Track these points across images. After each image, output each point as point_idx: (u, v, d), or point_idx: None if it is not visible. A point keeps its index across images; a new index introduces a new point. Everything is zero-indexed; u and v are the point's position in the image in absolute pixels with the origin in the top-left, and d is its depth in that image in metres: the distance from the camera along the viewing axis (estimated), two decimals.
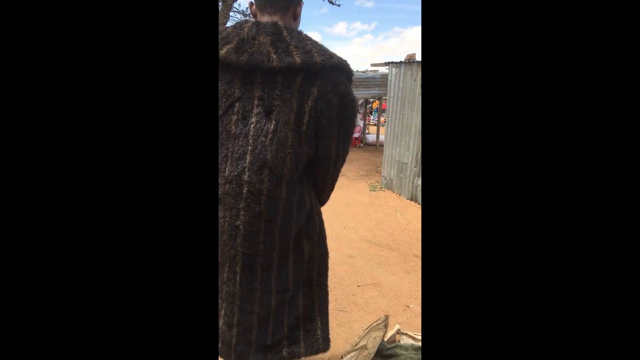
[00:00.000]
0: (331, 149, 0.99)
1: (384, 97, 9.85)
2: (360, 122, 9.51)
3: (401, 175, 4.75)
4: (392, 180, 4.94)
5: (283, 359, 1.09)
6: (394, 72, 4.82)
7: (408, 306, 2.37)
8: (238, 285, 1.01)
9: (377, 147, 9.04)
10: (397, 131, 4.80)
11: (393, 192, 4.90)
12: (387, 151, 5.01)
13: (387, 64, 4.93)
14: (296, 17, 0.98)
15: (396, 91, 4.78)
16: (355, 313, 2.26)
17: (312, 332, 1.16)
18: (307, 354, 1.09)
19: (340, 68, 0.93)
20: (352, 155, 7.79)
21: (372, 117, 10.91)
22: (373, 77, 8.37)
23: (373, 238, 3.38)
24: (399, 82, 4.73)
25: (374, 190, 4.96)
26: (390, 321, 2.21)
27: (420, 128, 4.34)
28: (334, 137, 0.97)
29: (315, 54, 0.88)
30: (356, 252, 3.08)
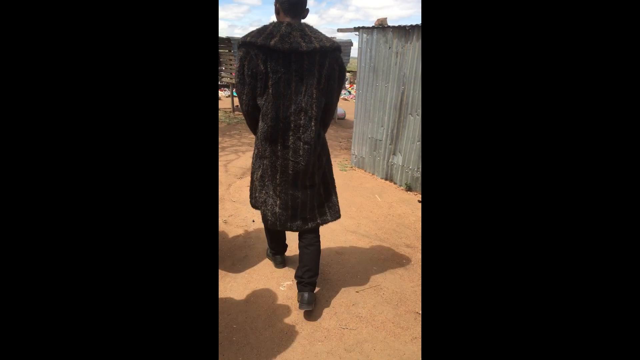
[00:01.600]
0: (334, 97, 1.69)
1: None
2: None
3: (374, 153, 4.39)
4: (363, 158, 4.57)
5: (318, 224, 1.90)
6: (364, 39, 4.34)
7: (418, 313, 2.02)
8: (290, 182, 1.72)
9: (335, 120, 8.61)
10: (368, 105, 4.38)
11: (366, 171, 4.54)
12: (357, 127, 4.60)
13: (356, 29, 4.43)
14: (304, 17, 1.62)
15: (367, 60, 4.32)
16: (362, 330, 1.87)
17: (333, 207, 1.95)
18: (332, 220, 1.94)
19: (338, 48, 1.61)
20: None
21: None
22: None
23: (357, 228, 2.99)
24: (370, 50, 4.27)
25: (345, 170, 4.57)
26: (403, 334, 1.85)
27: (397, 102, 3.96)
28: (336, 91, 1.69)
29: (325, 41, 1.54)
30: (344, 247, 2.68)
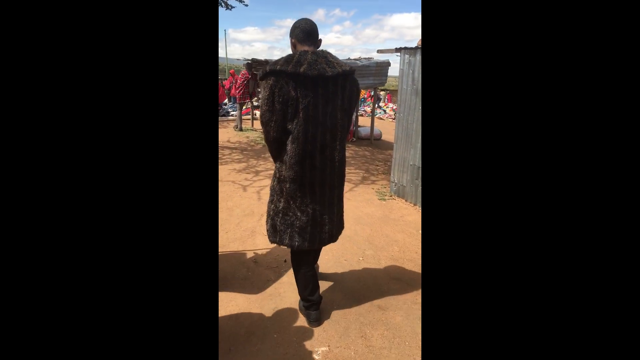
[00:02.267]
0: (352, 116, 1.87)
1: (379, 88, 9.07)
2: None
3: (416, 181, 4.01)
4: (404, 186, 4.20)
5: (337, 238, 2.03)
6: (406, 60, 4.03)
7: None
8: (318, 201, 1.83)
9: (372, 141, 8.28)
10: (410, 130, 4.04)
11: (406, 201, 4.16)
12: (397, 153, 4.25)
13: (398, 50, 4.13)
14: (319, 46, 1.78)
15: (409, 82, 4.00)
16: None
17: (342, 220, 2.08)
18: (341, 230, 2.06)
19: (353, 72, 1.75)
20: (347, 153, 7.00)
21: (360, 108, 10.12)
22: (367, 66, 7.55)
23: (402, 275, 2.62)
24: (413, 71, 3.94)
25: (384, 199, 4.21)
26: None
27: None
28: (354, 110, 1.87)
29: (345, 66, 1.69)
30: (387, 300, 2.32)
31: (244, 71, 8.66)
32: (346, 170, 5.52)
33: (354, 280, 2.49)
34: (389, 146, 8.11)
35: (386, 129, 10.45)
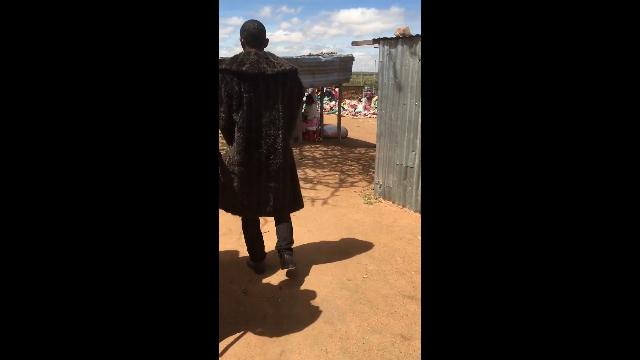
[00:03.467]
0: (294, 110, 2.13)
1: (342, 85, 8.79)
2: (317, 113, 8.36)
3: (404, 182, 3.73)
4: (390, 188, 3.91)
5: (289, 211, 2.35)
6: (386, 52, 3.73)
7: None
8: (264, 180, 2.10)
9: (340, 139, 7.99)
10: (394, 127, 3.75)
11: (394, 202, 3.87)
12: (381, 152, 3.95)
13: (376, 41, 3.82)
14: (266, 46, 2.09)
15: (390, 76, 3.71)
16: None
17: (299, 199, 2.38)
18: (299, 209, 2.40)
19: (296, 70, 2.06)
20: (316, 154, 6.65)
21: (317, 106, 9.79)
22: (331, 62, 7.23)
23: (416, 292, 2.30)
24: (394, 64, 3.65)
25: (370, 203, 3.89)
26: None
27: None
28: (296, 105, 2.14)
29: (285, 65, 2.00)
30: (409, 325, 1.98)
31: None
32: (322, 172, 5.18)
33: (365, 305, 2.14)
34: (356, 144, 7.86)
35: (349, 126, 10.22)
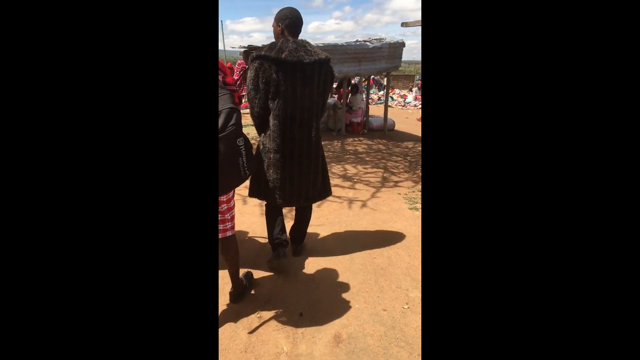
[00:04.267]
0: (326, 98, 2.11)
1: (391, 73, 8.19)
2: (362, 104, 7.85)
3: None
4: None
5: (317, 200, 2.28)
6: None
7: None
8: (297, 167, 2.08)
9: (385, 132, 7.44)
10: None
11: None
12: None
13: None
14: (300, 31, 2.04)
15: None
16: None
17: (328, 187, 2.32)
18: (328, 196, 2.33)
19: (329, 59, 2.01)
20: (359, 147, 6.18)
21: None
22: (379, 48, 6.66)
23: None
24: None
25: (416, 209, 3.39)
26: None
27: None
28: (328, 92, 2.10)
29: (321, 54, 1.96)
30: None
31: (240, 60, 7.84)
32: (363, 169, 4.73)
33: (404, 348, 1.70)
34: (403, 137, 7.27)
35: (397, 117, 9.59)
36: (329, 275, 2.28)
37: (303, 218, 2.42)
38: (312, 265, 2.40)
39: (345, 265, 2.39)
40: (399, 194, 3.80)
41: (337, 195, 3.73)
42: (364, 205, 3.50)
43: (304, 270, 2.34)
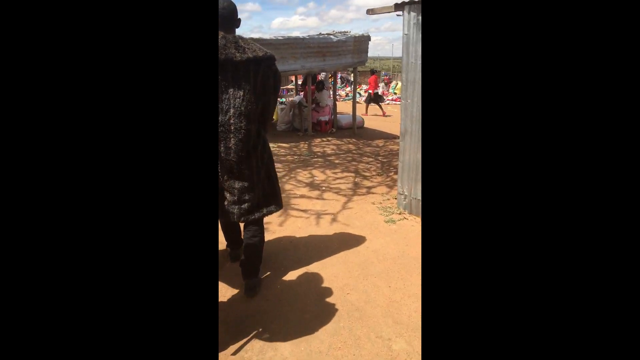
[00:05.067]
0: (270, 101, 1.84)
1: (369, 68, 7.76)
2: (329, 101, 7.38)
3: None
4: (419, 200, 2.95)
5: (263, 214, 1.94)
6: (412, 21, 2.73)
7: None
8: (235, 178, 1.81)
9: (355, 131, 7.00)
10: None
11: None
12: (406, 154, 2.99)
13: (399, 6, 2.81)
14: (237, 27, 1.82)
15: (419, 52, 2.71)
16: None
17: (277, 199, 2.02)
18: (276, 210, 2.01)
19: (271, 57, 1.76)
20: (327, 149, 5.71)
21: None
22: (344, 42, 6.21)
23: None
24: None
25: (392, 221, 2.95)
26: None
27: None
28: (272, 95, 1.84)
29: (258, 51, 1.70)
30: None
31: None
32: (332, 174, 4.26)
33: None
34: (374, 135, 6.86)
35: (364, 115, 9.20)
36: (291, 329, 1.79)
37: (249, 245, 1.96)
38: (271, 314, 1.89)
39: (312, 310, 1.89)
40: (373, 203, 3.35)
41: (302, 209, 3.23)
42: (334, 219, 3.02)
43: (259, 324, 1.83)
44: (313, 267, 2.28)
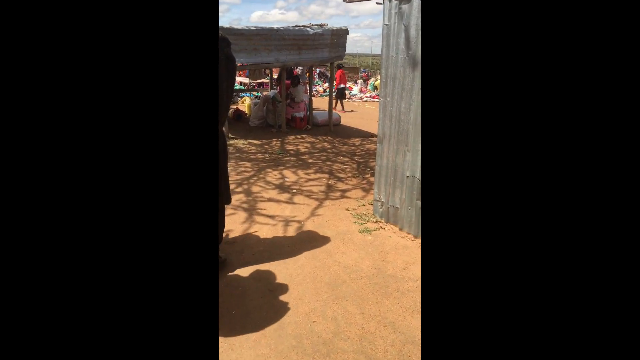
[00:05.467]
0: (223, 90, 1.71)
1: (336, 63, 7.48)
2: (304, 97, 7.05)
3: (417, 202, 2.52)
4: (397, 209, 2.69)
5: None
6: (394, 10, 2.45)
7: None
8: None
9: (331, 128, 6.70)
10: (404, 123, 2.50)
11: (402, 229, 2.66)
12: (384, 158, 2.72)
13: None
14: None
15: (400, 46, 2.44)
16: None
17: (223, 195, 1.96)
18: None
19: (224, 39, 1.68)
20: (301, 147, 5.40)
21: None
22: (321, 35, 5.89)
23: None
24: (406, 28, 2.38)
25: (367, 230, 2.67)
26: None
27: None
28: (225, 83, 1.74)
29: None
30: None
31: None
32: (305, 175, 3.95)
33: None
34: (350, 133, 6.60)
35: (341, 112, 8.93)
36: (243, 355, 1.47)
37: None
38: (220, 344, 1.57)
39: (269, 344, 1.59)
40: (347, 209, 3.07)
41: (269, 215, 2.91)
42: (303, 227, 2.72)
43: None
44: (277, 287, 1.97)
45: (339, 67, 10.72)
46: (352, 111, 9.29)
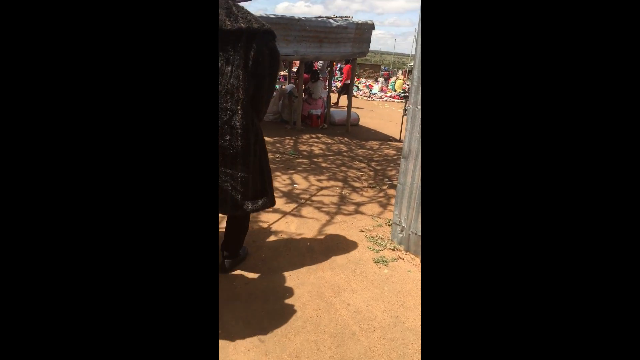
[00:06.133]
0: (264, 83, 1.59)
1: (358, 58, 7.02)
2: (323, 94, 6.61)
3: None
4: (419, 236, 2.26)
5: (247, 212, 1.76)
6: None
7: None
8: (222, 168, 1.62)
9: (348, 129, 6.27)
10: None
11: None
12: (407, 175, 2.28)
13: None
14: None
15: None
16: None
17: (268, 196, 1.81)
18: (264, 208, 1.84)
19: (269, 32, 1.55)
20: (315, 148, 4.98)
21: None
22: (345, 29, 5.42)
23: None
24: None
25: (384, 262, 2.26)
26: None
27: None
28: (267, 77, 1.59)
29: (254, 22, 1.49)
30: None
31: None
32: (316, 182, 3.55)
33: None
34: (368, 135, 6.15)
35: (362, 109, 8.48)
36: None
37: (231, 225, 1.90)
38: None
39: None
40: (361, 230, 2.65)
41: (272, 230, 2.52)
42: (309, 249, 2.32)
43: None
44: (269, 339, 1.58)
45: (347, 62, 10.16)
46: (372, 111, 8.80)
